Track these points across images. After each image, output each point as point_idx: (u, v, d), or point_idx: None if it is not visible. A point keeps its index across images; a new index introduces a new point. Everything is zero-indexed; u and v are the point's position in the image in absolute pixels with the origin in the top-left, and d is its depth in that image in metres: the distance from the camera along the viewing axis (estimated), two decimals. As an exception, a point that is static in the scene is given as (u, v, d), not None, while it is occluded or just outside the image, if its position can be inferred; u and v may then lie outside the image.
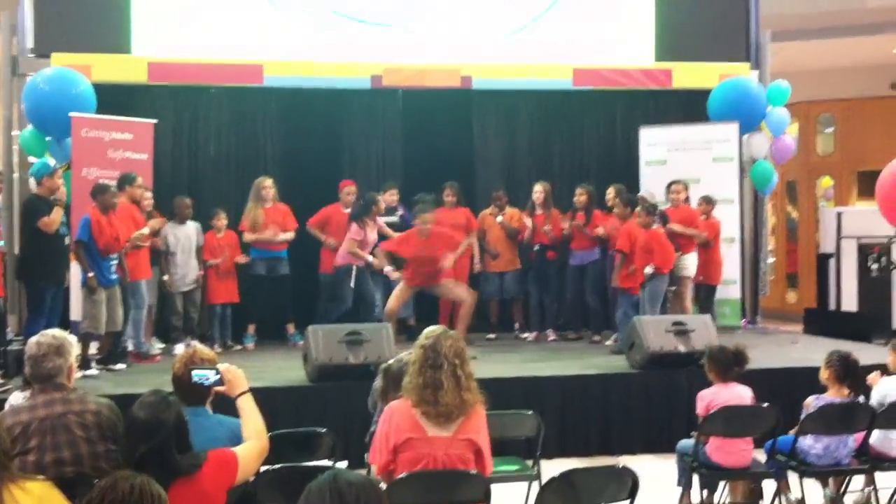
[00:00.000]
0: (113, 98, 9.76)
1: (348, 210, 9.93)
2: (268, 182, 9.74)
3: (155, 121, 9.85)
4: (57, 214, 7.58)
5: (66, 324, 7.94)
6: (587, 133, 11.67)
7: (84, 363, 7.78)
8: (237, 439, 3.85)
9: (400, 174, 10.91)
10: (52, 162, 7.90)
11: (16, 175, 10.07)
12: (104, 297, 7.89)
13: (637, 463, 5.83)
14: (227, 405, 4.07)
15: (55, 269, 7.60)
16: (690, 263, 9.62)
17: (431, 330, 4.23)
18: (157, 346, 9.33)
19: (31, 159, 9.64)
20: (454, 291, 9.24)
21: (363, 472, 4.10)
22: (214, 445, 3.67)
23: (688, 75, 11.23)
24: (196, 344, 6.41)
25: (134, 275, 8.46)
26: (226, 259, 9.59)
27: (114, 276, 8.06)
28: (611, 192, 9.88)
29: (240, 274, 9.78)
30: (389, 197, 9.96)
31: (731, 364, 5.61)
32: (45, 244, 7.57)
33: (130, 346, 8.46)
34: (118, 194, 8.32)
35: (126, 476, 2.56)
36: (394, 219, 9.97)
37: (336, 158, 11.07)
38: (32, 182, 8.71)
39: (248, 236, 9.64)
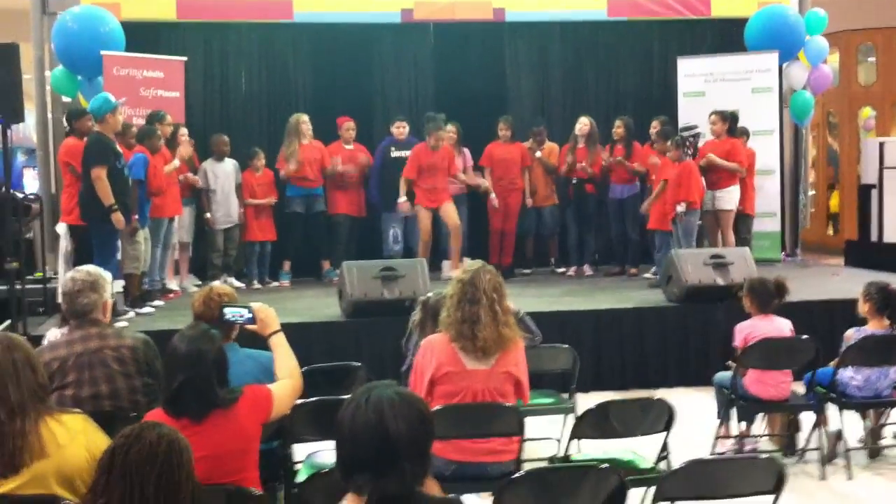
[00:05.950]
0: (141, 36, 9.75)
1: (349, 147, 9.88)
2: (305, 118, 9.66)
3: (185, 58, 9.81)
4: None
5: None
6: (622, 65, 11.45)
7: (135, 301, 7.86)
8: (268, 371, 3.86)
9: (431, 109, 10.71)
10: (112, 98, 7.67)
11: (49, 116, 10.07)
12: (142, 237, 7.94)
13: (673, 396, 5.80)
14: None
15: (124, 210, 7.36)
16: (732, 196, 9.43)
17: (471, 264, 4.22)
18: (193, 285, 9.39)
19: (65, 99, 9.67)
20: (451, 215, 9.23)
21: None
22: (245, 379, 3.68)
23: (726, 3, 10.97)
24: (216, 283, 6.45)
25: (160, 212, 8.47)
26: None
27: (147, 217, 8.13)
28: (656, 126, 9.71)
29: (276, 211, 9.77)
30: (397, 130, 9.83)
31: (771, 296, 5.54)
32: (112, 184, 7.28)
33: (146, 284, 8.41)
34: (156, 136, 8.37)
35: (151, 425, 2.54)
36: (408, 153, 9.83)
37: (367, 94, 10.97)
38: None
39: (288, 169, 9.48)
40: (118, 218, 7.29)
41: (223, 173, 9.46)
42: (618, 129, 9.89)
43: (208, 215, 9.40)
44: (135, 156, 8.01)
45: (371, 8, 10.44)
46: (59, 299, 5.23)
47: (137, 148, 8.16)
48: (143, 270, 8.13)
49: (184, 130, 9.14)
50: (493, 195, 9.83)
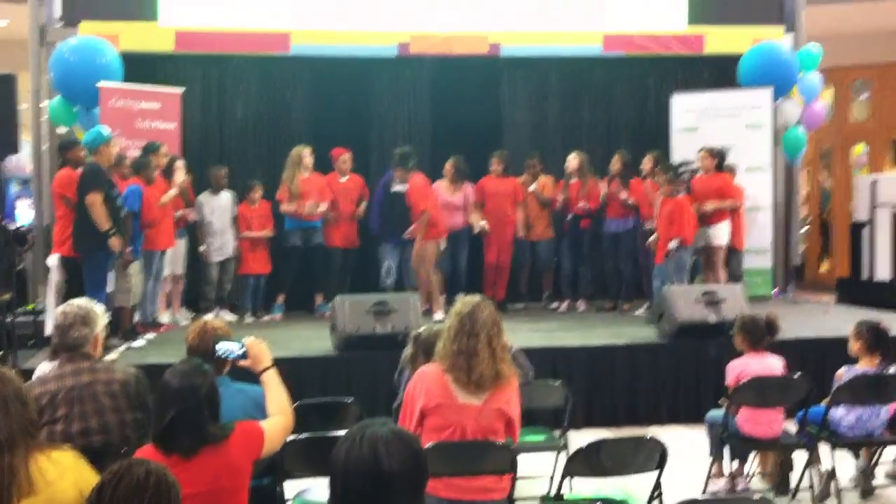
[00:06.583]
0: (140, 67, 9.79)
1: (344, 179, 9.90)
2: (307, 151, 9.67)
3: (182, 90, 9.85)
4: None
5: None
6: (617, 100, 11.53)
7: (127, 334, 7.84)
8: (259, 406, 3.85)
9: (428, 143, 10.85)
10: (105, 131, 7.72)
11: (45, 146, 10.10)
12: (135, 269, 7.94)
13: (665, 433, 5.78)
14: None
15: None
16: (723, 232, 9.48)
17: (469, 298, 4.20)
18: (184, 317, 9.36)
19: (60, 129, 9.69)
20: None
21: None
22: (236, 414, 3.67)
23: (720, 40, 11.06)
24: (208, 316, 6.44)
25: (153, 244, 8.47)
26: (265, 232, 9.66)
27: (140, 249, 8.14)
28: (648, 162, 9.76)
29: (273, 244, 9.77)
30: None
31: (762, 333, 5.55)
32: (107, 214, 7.33)
33: (137, 317, 8.42)
34: (151, 168, 8.42)
35: (140, 461, 2.54)
36: (405, 188, 9.90)
37: (364, 127, 11.01)
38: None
39: (286, 207, 9.53)
40: (115, 242, 7.30)
41: (219, 206, 9.48)
42: (615, 163, 9.94)
43: (203, 248, 9.39)
44: (129, 187, 8.03)
45: (368, 42, 10.50)
46: (50, 332, 5.21)
47: (133, 179, 8.18)
48: (134, 303, 8.12)
49: (180, 162, 9.15)
50: (483, 223, 9.88)
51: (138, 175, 8.25)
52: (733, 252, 9.93)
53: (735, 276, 9.81)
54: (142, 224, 8.14)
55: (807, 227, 13.24)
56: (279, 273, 9.78)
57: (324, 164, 9.96)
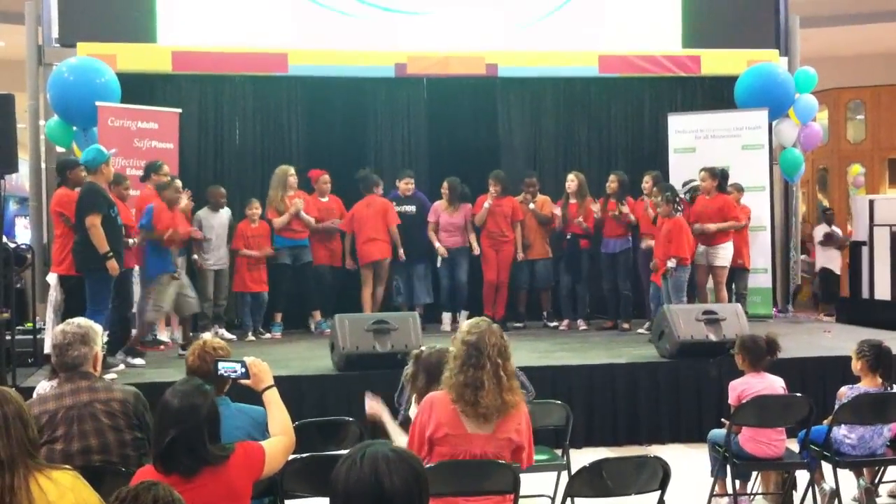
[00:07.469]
0: (137, 87, 9.81)
1: (325, 199, 9.92)
2: (292, 170, 9.70)
3: (180, 110, 9.86)
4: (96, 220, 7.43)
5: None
6: (614, 120, 11.55)
7: (128, 352, 7.84)
8: (259, 426, 3.83)
9: (424, 163, 10.86)
10: (104, 149, 7.72)
11: (43, 165, 10.09)
12: (167, 281, 8.09)
13: (666, 452, 5.76)
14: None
15: (117, 257, 7.35)
16: (726, 253, 9.49)
17: (475, 325, 4.08)
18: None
19: (59, 149, 9.68)
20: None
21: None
22: (236, 434, 3.65)
23: (716, 62, 11.11)
24: (206, 335, 6.41)
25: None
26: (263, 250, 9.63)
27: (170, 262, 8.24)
28: (648, 181, 9.76)
29: (266, 263, 9.74)
30: (405, 186, 9.92)
31: (763, 353, 5.53)
32: (106, 232, 7.28)
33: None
34: (173, 188, 8.50)
35: (147, 486, 2.52)
36: (411, 208, 9.92)
37: (360, 147, 11.01)
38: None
39: (279, 221, 9.52)
40: (113, 265, 7.28)
41: (218, 223, 9.47)
42: (611, 183, 9.92)
43: (195, 257, 9.33)
44: (147, 207, 8.10)
45: (365, 62, 10.52)
46: (48, 350, 5.19)
47: (149, 192, 8.28)
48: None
49: (178, 183, 9.14)
50: (474, 244, 9.91)
51: (160, 195, 8.31)
52: (741, 271, 9.96)
53: (741, 296, 9.81)
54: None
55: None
56: (274, 291, 9.74)
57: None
